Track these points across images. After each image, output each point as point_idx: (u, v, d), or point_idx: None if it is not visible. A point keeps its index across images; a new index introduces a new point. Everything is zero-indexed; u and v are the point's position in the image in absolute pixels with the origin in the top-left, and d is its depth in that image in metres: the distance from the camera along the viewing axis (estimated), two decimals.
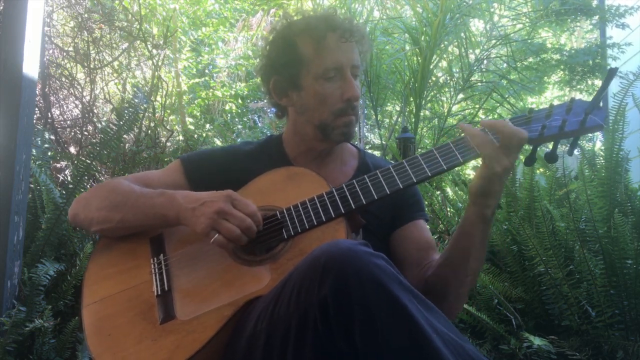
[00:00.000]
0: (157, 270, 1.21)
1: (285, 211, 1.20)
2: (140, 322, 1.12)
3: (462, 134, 1.19)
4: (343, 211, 1.16)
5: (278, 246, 1.17)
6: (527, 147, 1.18)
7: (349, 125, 1.33)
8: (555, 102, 1.19)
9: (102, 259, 1.28)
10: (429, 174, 1.15)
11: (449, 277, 1.21)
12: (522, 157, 2.91)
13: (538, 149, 1.18)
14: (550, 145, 1.17)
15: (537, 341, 1.77)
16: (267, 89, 1.41)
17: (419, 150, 4.41)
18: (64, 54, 4.34)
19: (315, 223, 1.16)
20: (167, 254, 1.24)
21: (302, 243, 1.15)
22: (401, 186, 1.15)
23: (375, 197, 1.16)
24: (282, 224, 1.19)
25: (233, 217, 1.12)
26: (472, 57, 4.44)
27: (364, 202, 1.16)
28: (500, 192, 1.13)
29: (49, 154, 2.97)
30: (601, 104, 1.15)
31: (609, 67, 1.13)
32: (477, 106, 4.95)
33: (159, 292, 1.16)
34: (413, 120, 4.22)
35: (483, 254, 1.23)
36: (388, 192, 1.16)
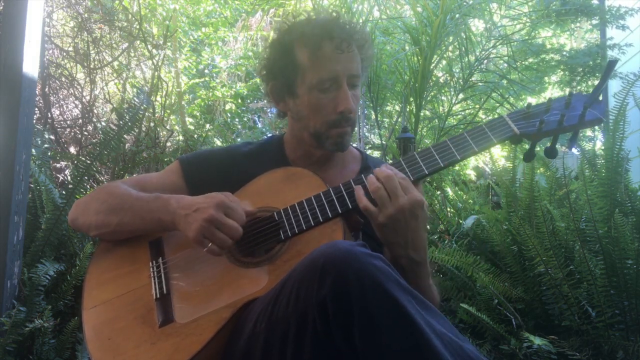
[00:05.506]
0: (156, 273, 1.21)
1: (282, 212, 1.20)
2: (140, 326, 1.12)
3: (461, 132, 1.19)
4: (340, 211, 1.15)
5: (275, 247, 1.16)
6: (525, 142, 1.17)
7: (343, 136, 1.31)
8: (554, 97, 1.18)
9: (102, 263, 1.29)
10: (426, 172, 1.15)
11: None
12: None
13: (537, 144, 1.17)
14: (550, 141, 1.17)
15: (537, 341, 1.76)
16: (266, 92, 1.41)
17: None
18: (64, 54, 4.34)
19: (313, 224, 1.15)
20: (165, 257, 1.24)
21: (299, 244, 1.15)
22: None
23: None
24: (279, 225, 1.18)
25: (225, 226, 1.11)
26: (472, 57, 4.43)
27: None
28: (411, 242, 1.10)
29: (49, 154, 2.96)
30: (600, 98, 1.13)
31: (608, 59, 1.11)
32: (477, 106, 4.95)
33: (158, 296, 1.16)
34: (413, 120, 4.21)
35: (427, 293, 1.15)
36: None
